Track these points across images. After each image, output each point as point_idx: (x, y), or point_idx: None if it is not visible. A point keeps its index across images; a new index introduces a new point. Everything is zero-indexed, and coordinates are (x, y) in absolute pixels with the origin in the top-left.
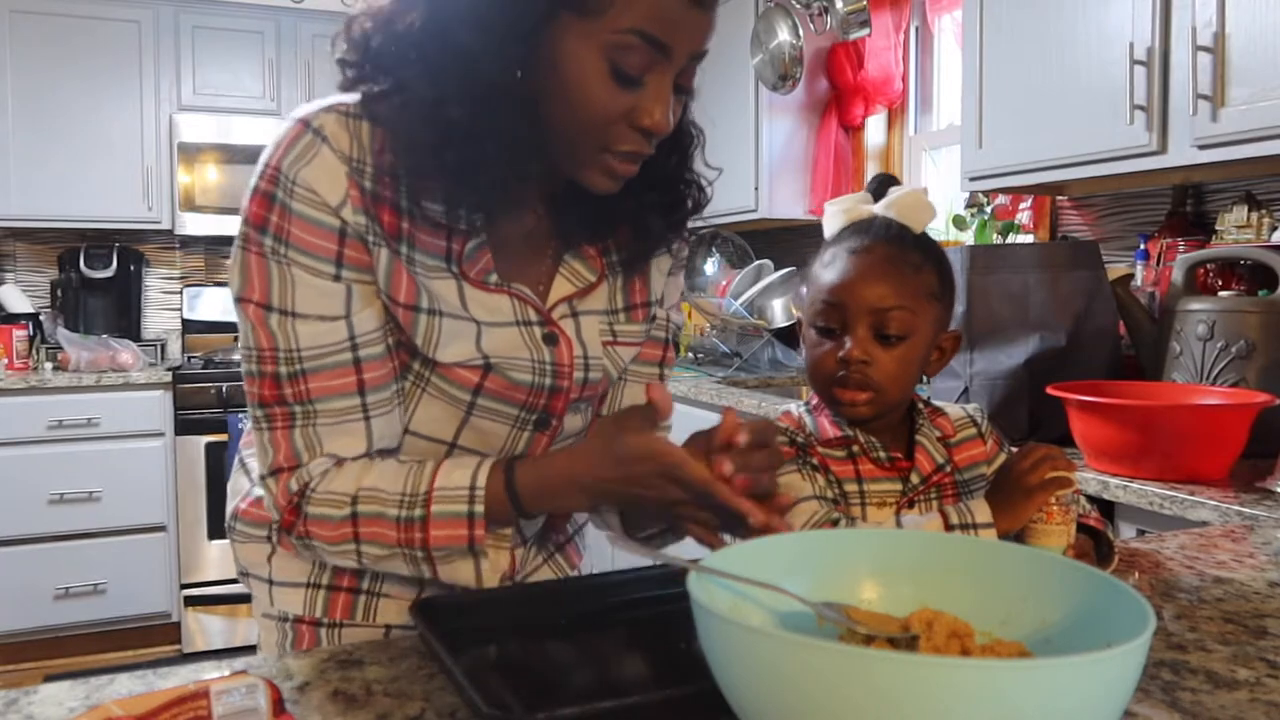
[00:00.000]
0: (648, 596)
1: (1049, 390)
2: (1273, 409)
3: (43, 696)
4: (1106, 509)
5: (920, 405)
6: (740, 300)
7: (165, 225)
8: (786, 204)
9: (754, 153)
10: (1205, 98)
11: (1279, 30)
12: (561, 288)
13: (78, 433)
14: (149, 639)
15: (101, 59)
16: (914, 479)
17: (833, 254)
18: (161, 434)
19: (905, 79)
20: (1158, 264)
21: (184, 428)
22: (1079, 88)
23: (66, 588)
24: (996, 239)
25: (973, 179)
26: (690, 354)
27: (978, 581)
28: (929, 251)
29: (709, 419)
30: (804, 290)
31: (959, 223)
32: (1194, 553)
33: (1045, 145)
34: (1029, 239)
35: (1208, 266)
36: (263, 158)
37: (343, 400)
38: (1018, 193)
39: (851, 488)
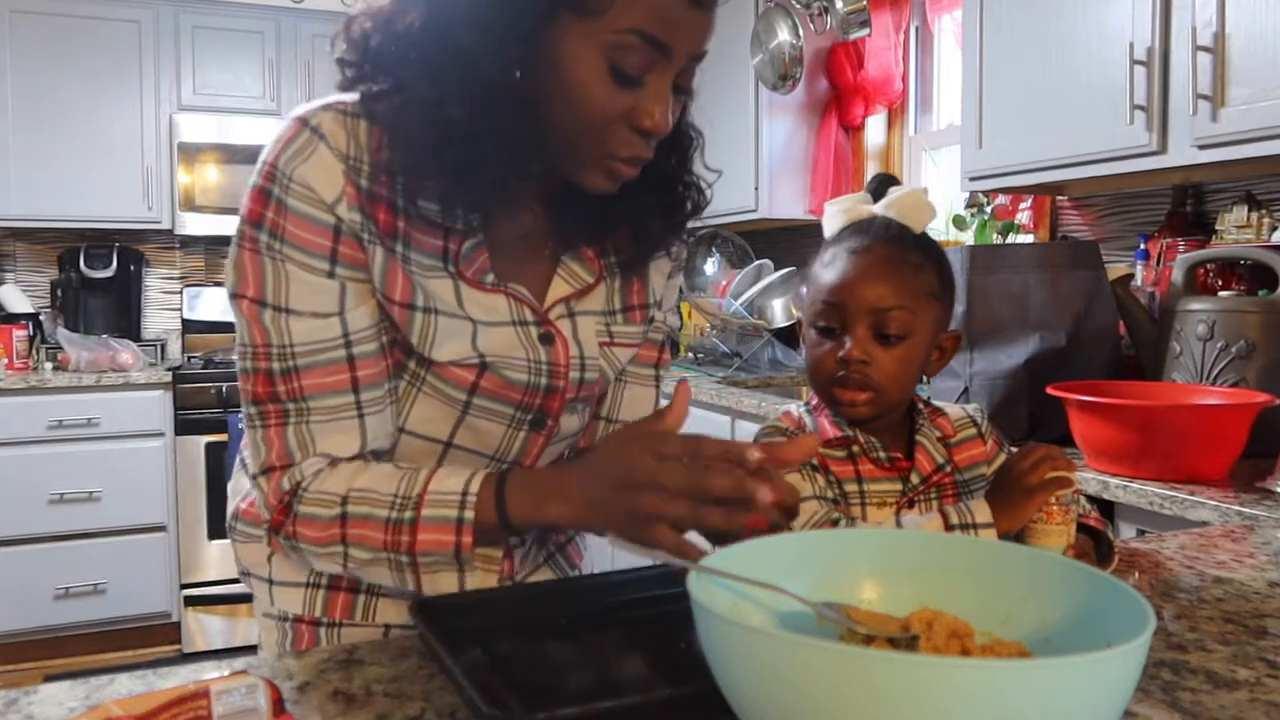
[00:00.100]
0: (648, 596)
1: (1049, 390)
2: (1273, 409)
3: (43, 696)
4: (1106, 509)
5: (920, 405)
6: (740, 300)
7: (165, 225)
8: (786, 204)
9: (754, 153)
10: (1205, 98)
11: (1279, 30)
12: (559, 288)
13: (78, 433)
14: (149, 639)
15: (101, 59)
16: (914, 479)
17: (832, 254)
18: (161, 434)
19: (905, 79)
20: (1158, 264)
21: (184, 428)
22: (1079, 88)
23: (66, 588)
24: (996, 239)
25: (973, 179)
26: (690, 354)
27: (978, 581)
28: (929, 251)
29: (709, 419)
30: (804, 290)
31: (959, 223)
32: (1194, 553)
33: (1045, 145)
34: (1029, 239)
35: (1208, 266)
36: (262, 156)
37: (336, 397)
38: (1018, 193)
39: (851, 488)
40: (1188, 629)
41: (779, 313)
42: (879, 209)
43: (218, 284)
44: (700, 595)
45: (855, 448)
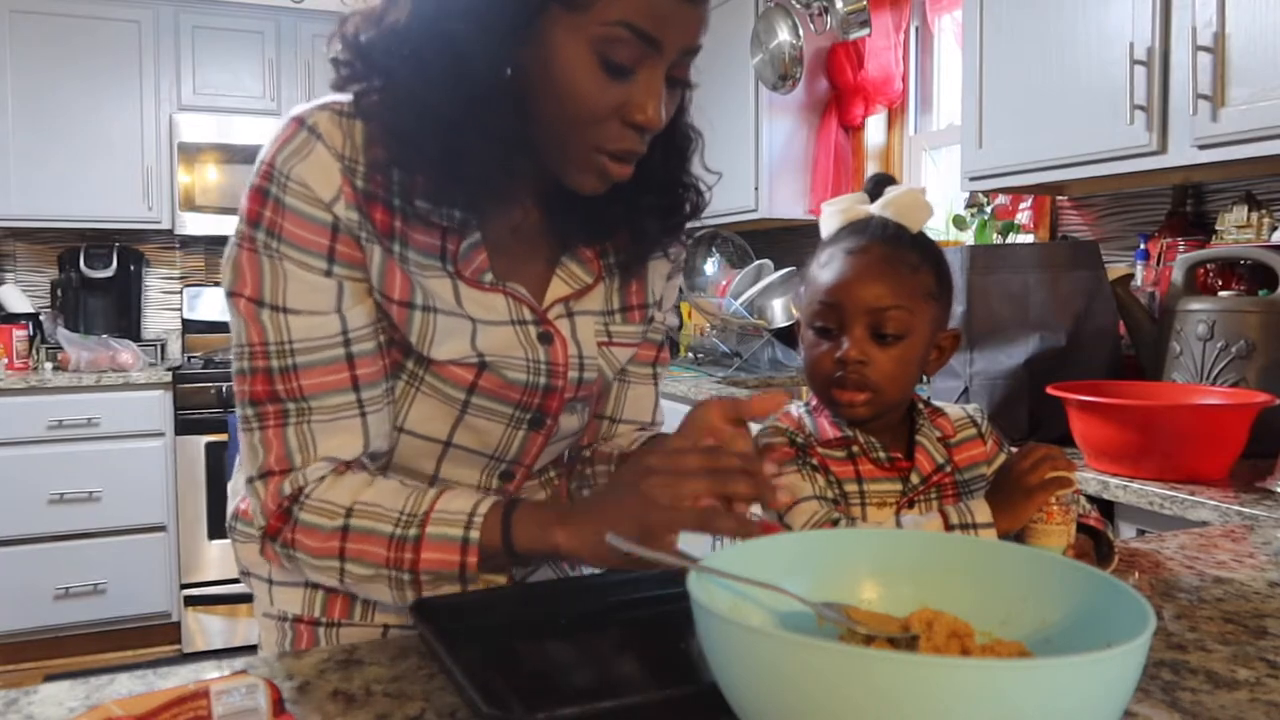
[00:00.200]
0: (648, 596)
1: (1049, 390)
2: (1273, 409)
3: (43, 696)
4: (1106, 509)
5: (920, 405)
6: (740, 300)
7: (165, 225)
8: (786, 204)
9: (754, 153)
10: (1205, 98)
11: (1279, 30)
12: (558, 289)
13: (78, 433)
14: (149, 639)
15: (101, 59)
16: (914, 479)
17: (829, 254)
18: (161, 434)
19: (905, 79)
20: (1158, 264)
21: (184, 428)
22: (1079, 88)
23: (66, 588)
24: (996, 239)
25: (973, 179)
26: (690, 354)
27: (978, 581)
28: (926, 251)
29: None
30: (802, 290)
31: (959, 223)
32: (1194, 553)
33: (1045, 145)
34: (1029, 239)
35: (1208, 266)
36: (259, 156)
37: (337, 396)
38: (1018, 193)
39: (851, 488)
40: (1188, 629)
41: (779, 313)
42: (876, 209)
43: (218, 284)
44: (700, 595)
45: (855, 448)
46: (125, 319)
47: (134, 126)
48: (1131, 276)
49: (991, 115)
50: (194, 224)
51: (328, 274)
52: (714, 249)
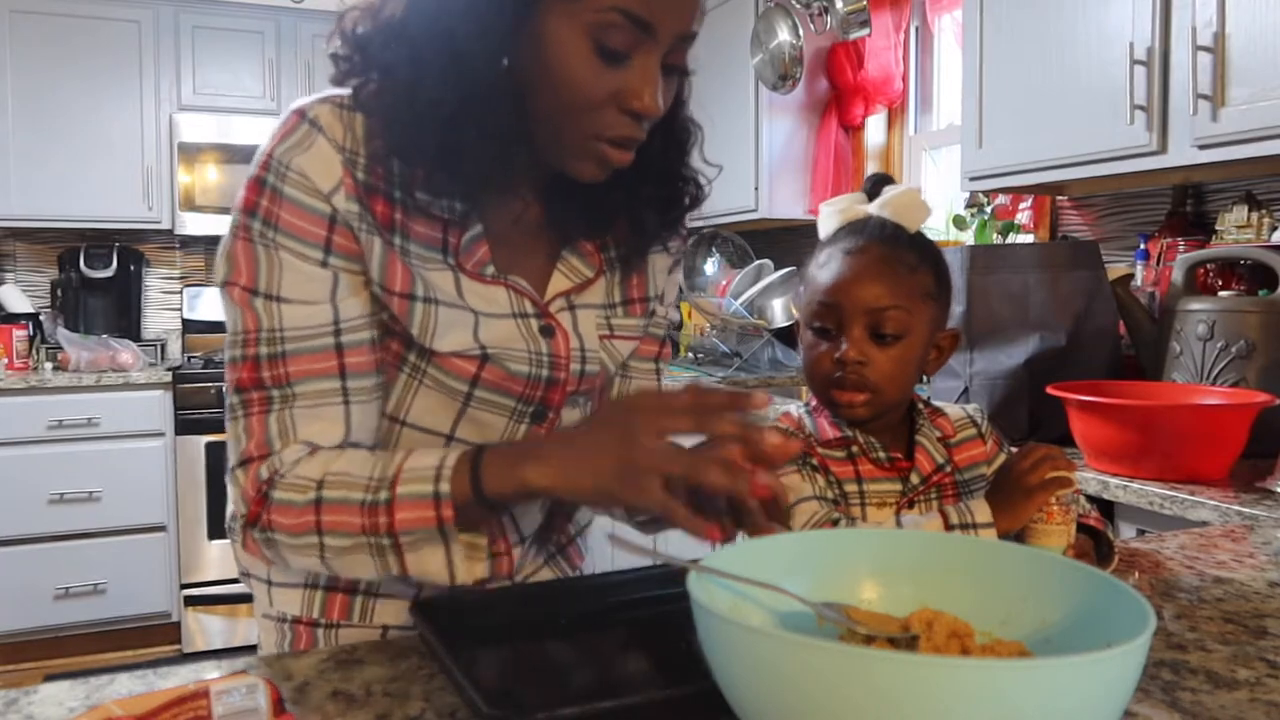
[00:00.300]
0: (648, 596)
1: (1049, 390)
2: (1273, 409)
3: (43, 696)
4: (1106, 509)
5: (920, 405)
6: (740, 300)
7: (165, 225)
8: (786, 204)
9: (754, 153)
10: (1205, 98)
11: (1279, 30)
12: (559, 283)
13: (78, 433)
14: (149, 639)
15: (101, 59)
16: (914, 479)
17: (828, 255)
18: (161, 434)
19: (905, 79)
20: (1158, 264)
21: (184, 427)
22: (1079, 88)
23: (66, 588)
24: (996, 239)
25: (973, 179)
26: (690, 354)
27: (978, 581)
28: (924, 251)
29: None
30: (801, 291)
31: (959, 223)
32: (1194, 553)
33: (1045, 145)
34: (1029, 239)
35: (1208, 266)
36: (260, 148)
37: (322, 382)
38: (1018, 193)
39: (851, 488)
40: (1188, 629)
41: (779, 313)
42: (874, 209)
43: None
44: (700, 595)
45: (855, 448)
46: (125, 319)
47: (134, 126)
48: (1131, 276)
49: (991, 115)
50: (194, 224)
51: (323, 264)
52: (714, 249)
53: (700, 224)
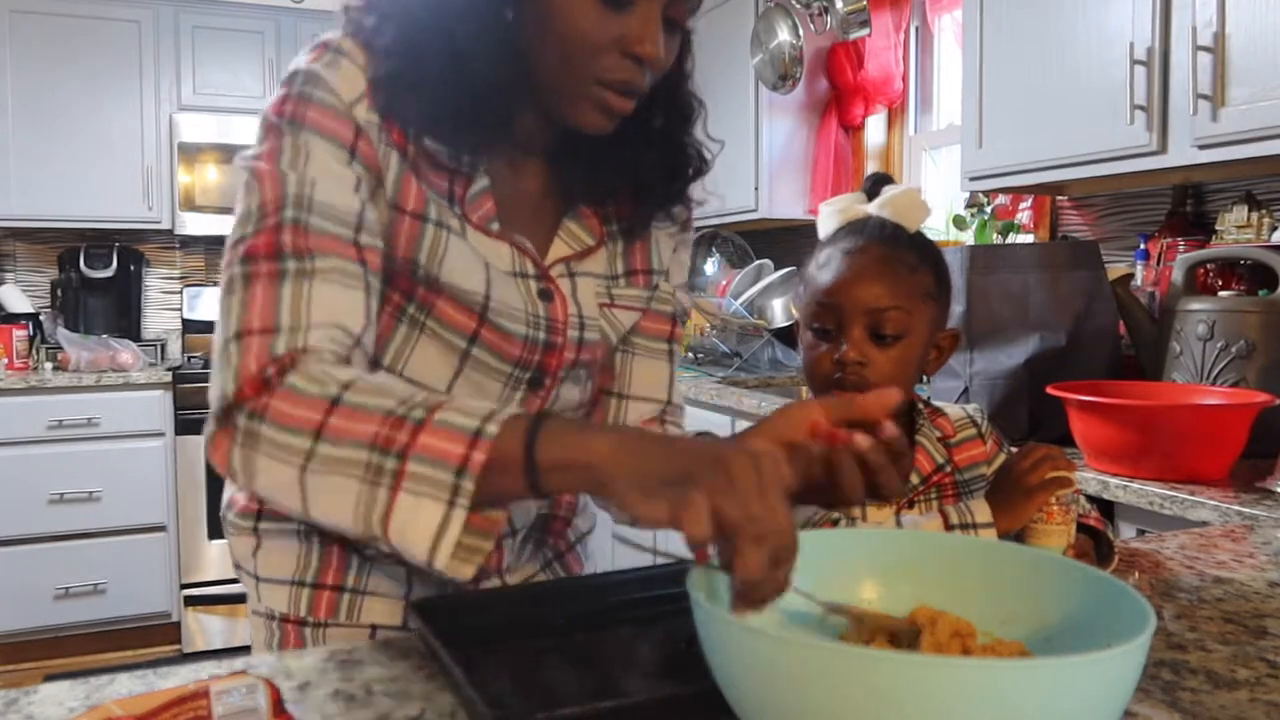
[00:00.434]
0: (648, 596)
1: (1049, 390)
2: (1273, 409)
3: (43, 696)
4: (1106, 509)
5: (920, 405)
6: (740, 300)
7: (165, 225)
8: (786, 204)
9: (754, 153)
10: (1205, 98)
11: (1279, 30)
12: (559, 249)
13: (78, 433)
14: (149, 639)
15: (101, 59)
16: (914, 479)
17: (828, 255)
18: (161, 434)
19: (905, 79)
20: (1158, 264)
21: (184, 427)
22: (1079, 88)
23: (66, 588)
24: (996, 239)
25: (973, 179)
26: (690, 354)
27: (978, 581)
28: (924, 251)
29: (709, 419)
30: (801, 291)
31: (959, 223)
32: (1194, 553)
33: (1045, 145)
34: (1029, 239)
35: (1208, 266)
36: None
37: (347, 264)
38: (1018, 193)
39: None
40: (1188, 629)
41: (779, 313)
42: (873, 208)
43: (217, 283)
44: (700, 595)
45: None
46: (125, 319)
47: (134, 126)
48: (1131, 276)
49: (991, 115)
50: (194, 224)
51: (349, 165)
52: (714, 249)
53: (700, 224)
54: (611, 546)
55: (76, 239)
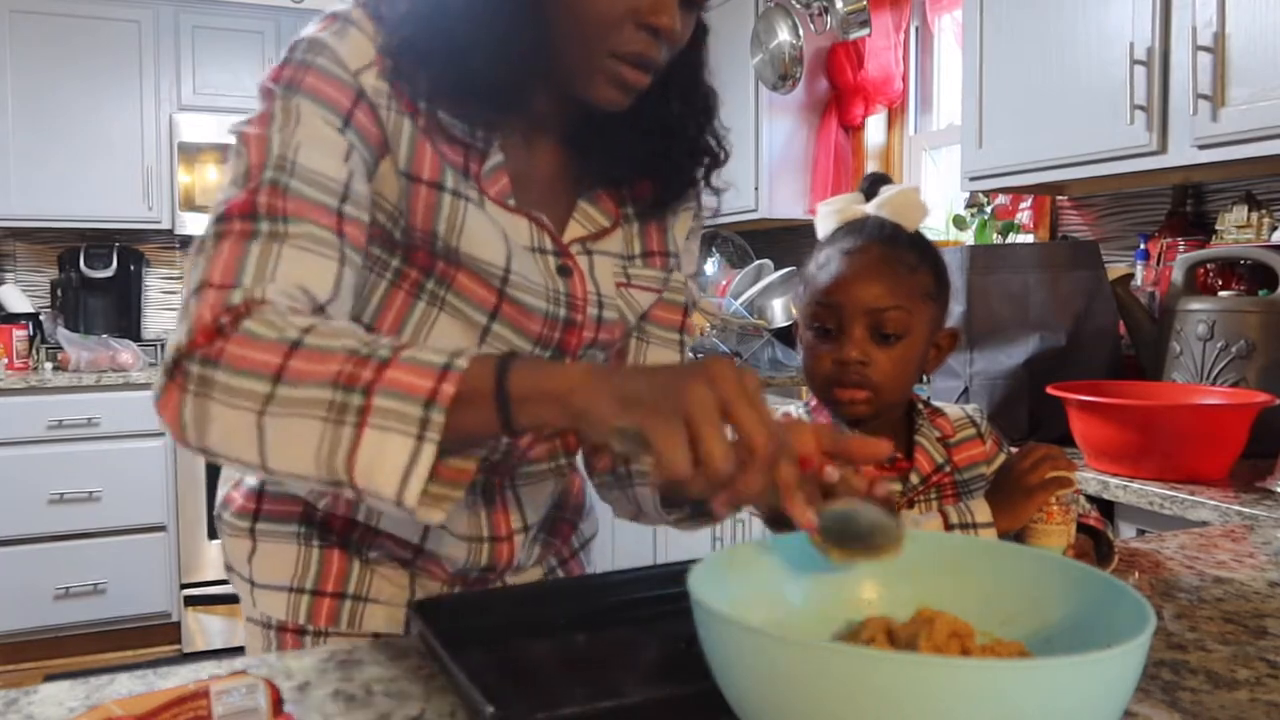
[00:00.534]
0: (648, 596)
1: (1049, 390)
2: (1273, 409)
3: (43, 696)
4: (1106, 509)
5: (920, 405)
6: (740, 300)
7: (165, 225)
8: (786, 204)
9: (754, 153)
10: (1205, 98)
11: (1279, 30)
12: (574, 230)
13: (78, 433)
14: (149, 639)
15: (101, 59)
16: (914, 479)
17: (827, 255)
18: (161, 434)
19: (905, 79)
20: (1158, 264)
21: None
22: (1079, 88)
23: (66, 588)
24: (996, 239)
25: (973, 179)
26: (690, 354)
27: (978, 581)
28: (923, 251)
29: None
30: (800, 291)
31: (959, 223)
32: (1194, 553)
33: (1045, 145)
34: (1029, 239)
35: (1208, 266)
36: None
37: (321, 231)
38: (1018, 193)
39: None
40: (1188, 629)
41: (779, 313)
42: (872, 208)
43: None
44: (701, 595)
45: None
46: (125, 319)
47: (134, 126)
48: (1131, 276)
49: (991, 115)
50: (194, 224)
51: (341, 132)
52: (714, 249)
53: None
54: (613, 553)
55: (76, 239)
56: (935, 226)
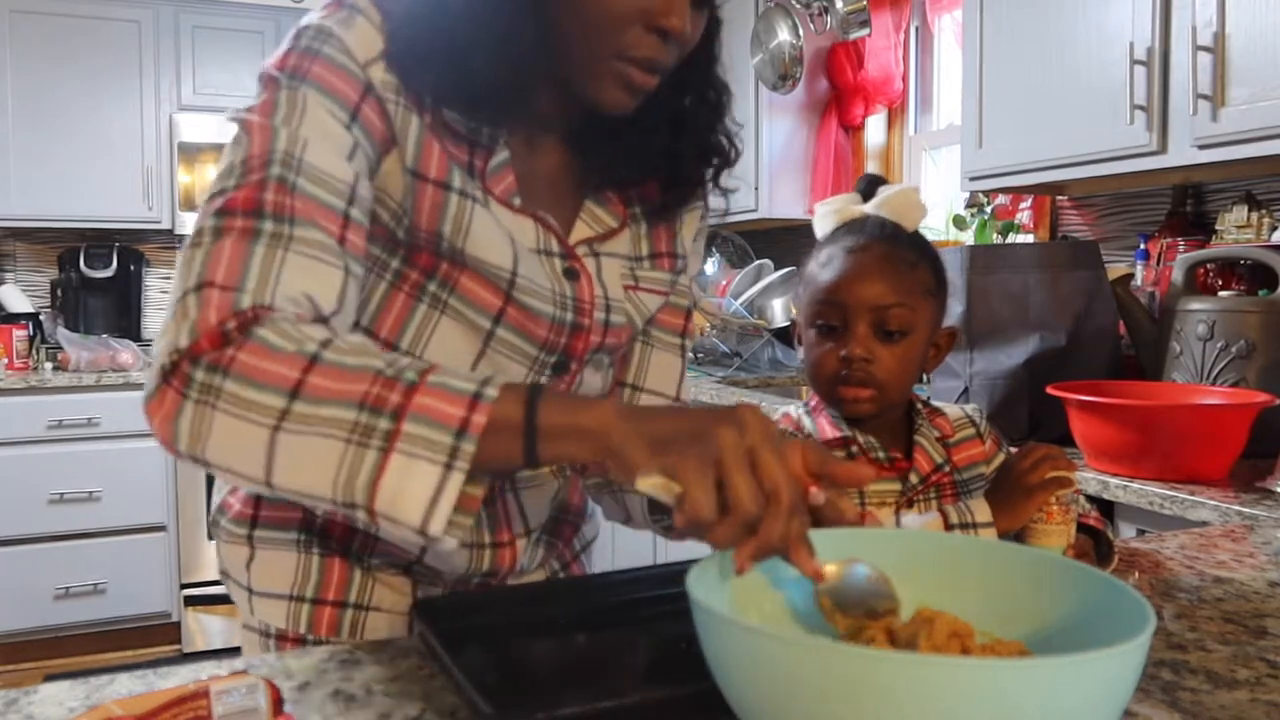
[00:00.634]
0: (648, 596)
1: (1049, 390)
2: (1273, 409)
3: (43, 696)
4: (1106, 509)
5: (919, 405)
6: (740, 300)
7: (165, 225)
8: (786, 204)
9: (754, 153)
10: (1205, 98)
11: (1279, 30)
12: (581, 231)
13: (78, 433)
14: (149, 639)
15: (101, 59)
16: (913, 479)
17: (829, 253)
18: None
19: (905, 79)
20: (1158, 264)
21: None
22: (1079, 88)
23: (66, 588)
24: (996, 239)
25: (973, 179)
26: (690, 354)
27: (977, 581)
28: (923, 250)
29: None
30: (800, 291)
31: (959, 223)
32: (1194, 553)
33: (1045, 145)
34: (1029, 239)
35: (1208, 266)
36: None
37: (326, 238)
38: (1018, 193)
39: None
40: (1188, 629)
41: (779, 313)
42: (870, 208)
43: None
44: (700, 595)
45: (854, 448)
46: (125, 319)
47: (134, 126)
48: (1131, 276)
49: (991, 115)
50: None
51: (347, 128)
52: (714, 249)
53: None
54: (612, 554)
55: (76, 239)
56: (935, 226)
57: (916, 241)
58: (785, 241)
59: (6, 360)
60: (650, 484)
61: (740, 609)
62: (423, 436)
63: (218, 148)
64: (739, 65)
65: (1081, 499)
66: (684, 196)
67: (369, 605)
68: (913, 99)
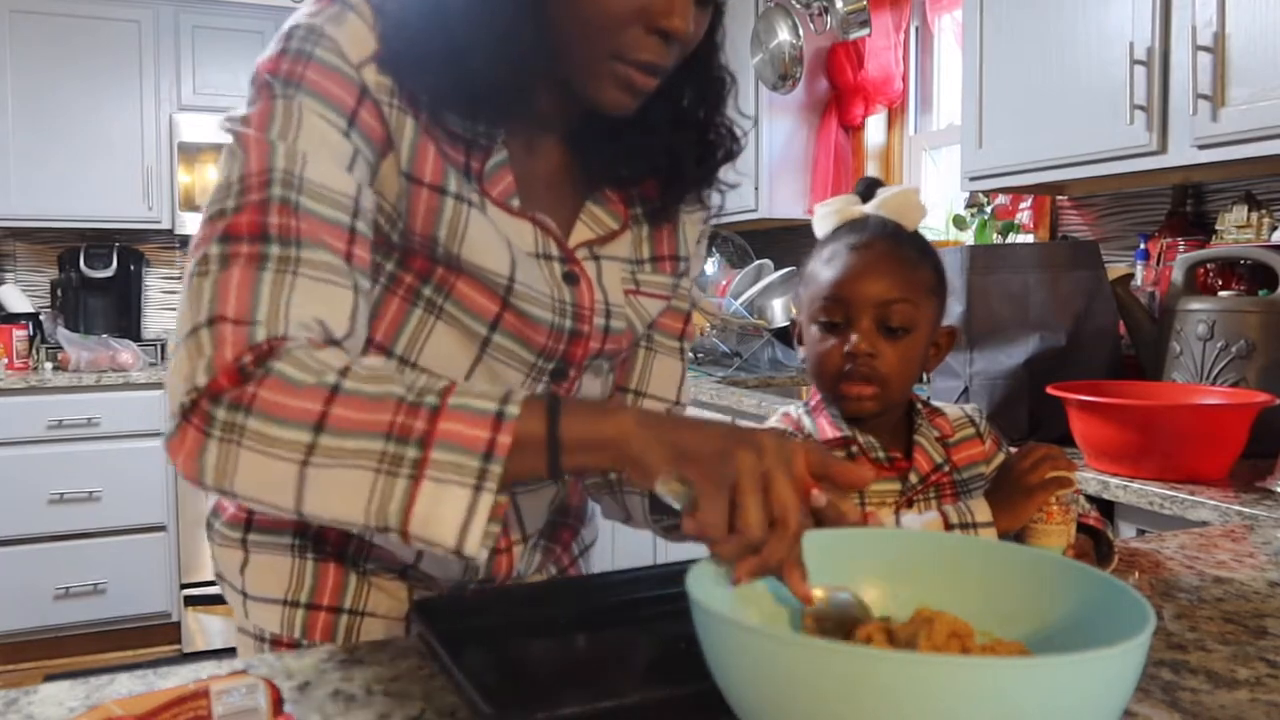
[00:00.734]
0: (648, 596)
1: (1049, 390)
2: (1273, 409)
3: (43, 696)
4: (1106, 509)
5: (919, 405)
6: (740, 300)
7: (165, 225)
8: (786, 204)
9: (754, 153)
10: (1205, 98)
11: (1279, 30)
12: (581, 233)
13: (78, 433)
14: (149, 639)
15: (101, 59)
16: (913, 479)
17: (831, 251)
18: (161, 434)
19: (905, 79)
20: (1158, 264)
21: None
22: (1079, 88)
23: (66, 588)
24: (996, 239)
25: (973, 179)
26: (690, 354)
27: (977, 581)
28: (925, 249)
29: (710, 420)
30: (801, 290)
31: (959, 223)
32: (1194, 553)
33: (1045, 145)
34: (1029, 239)
35: (1208, 266)
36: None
37: (333, 259)
38: (1018, 193)
39: None
40: (1188, 629)
41: (779, 313)
42: (870, 208)
43: None
44: (700, 595)
45: (854, 448)
46: (125, 319)
47: (134, 126)
48: (1131, 276)
49: (991, 115)
50: (194, 224)
51: (346, 135)
52: (714, 249)
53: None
54: (612, 555)
55: (76, 239)
56: (935, 226)
57: (918, 240)
58: (785, 241)
59: (6, 360)
60: (667, 489)
61: (740, 609)
62: (451, 462)
63: (218, 148)
64: (739, 65)
65: (1081, 499)
66: (683, 193)
67: (364, 611)
68: (913, 99)
